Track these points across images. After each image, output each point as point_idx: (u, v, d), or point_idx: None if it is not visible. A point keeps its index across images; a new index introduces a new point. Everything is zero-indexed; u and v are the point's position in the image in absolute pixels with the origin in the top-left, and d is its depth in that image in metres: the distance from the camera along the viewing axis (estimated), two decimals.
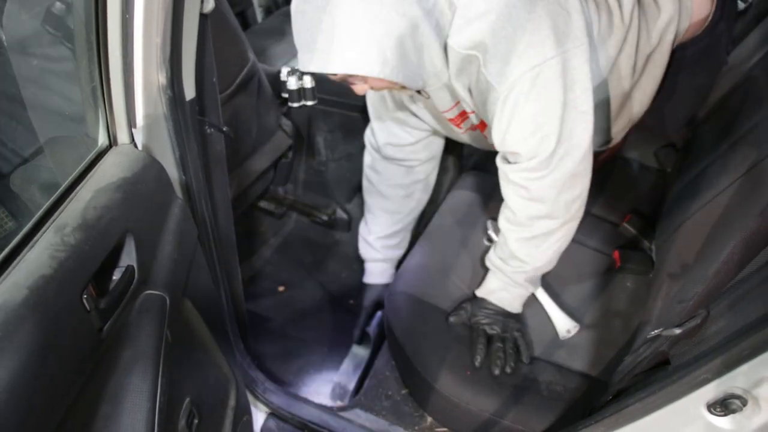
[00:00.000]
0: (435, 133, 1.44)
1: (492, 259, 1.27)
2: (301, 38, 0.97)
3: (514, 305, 1.25)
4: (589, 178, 1.10)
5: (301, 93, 1.77)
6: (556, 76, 0.94)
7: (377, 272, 1.66)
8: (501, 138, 1.04)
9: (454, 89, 1.09)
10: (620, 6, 1.14)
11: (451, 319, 1.26)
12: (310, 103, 1.78)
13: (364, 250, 1.67)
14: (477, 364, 1.18)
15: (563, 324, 1.27)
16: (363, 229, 1.66)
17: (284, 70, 1.75)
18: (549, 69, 0.93)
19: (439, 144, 1.51)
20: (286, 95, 1.79)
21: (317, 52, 0.94)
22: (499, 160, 1.14)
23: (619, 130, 1.36)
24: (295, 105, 1.80)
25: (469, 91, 1.08)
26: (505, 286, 1.24)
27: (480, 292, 1.28)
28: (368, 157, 1.55)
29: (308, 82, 1.76)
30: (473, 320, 1.25)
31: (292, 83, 1.76)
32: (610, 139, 1.37)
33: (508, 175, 1.11)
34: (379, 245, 1.62)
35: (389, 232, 1.60)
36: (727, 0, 1.25)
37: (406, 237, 1.68)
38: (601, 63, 1.15)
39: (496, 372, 1.16)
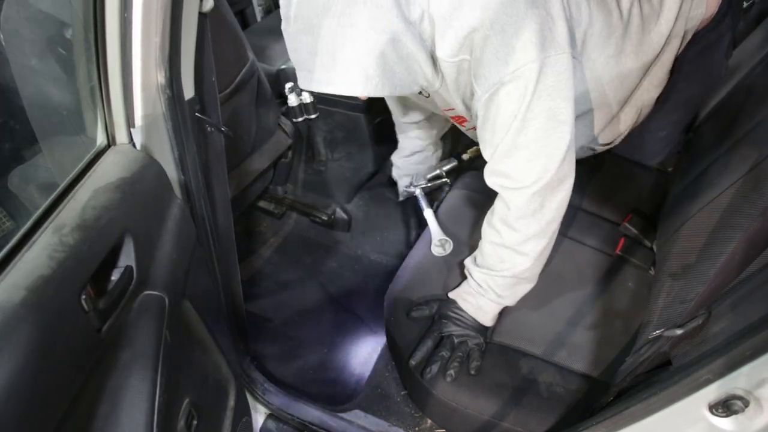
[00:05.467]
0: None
1: (467, 262, 1.25)
2: (293, 57, 0.99)
3: (482, 315, 1.19)
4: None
5: (302, 108, 1.90)
6: (536, 80, 0.91)
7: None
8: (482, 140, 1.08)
9: (451, 97, 1.09)
10: (618, 4, 1.12)
11: (413, 313, 1.22)
12: (312, 116, 1.92)
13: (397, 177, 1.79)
14: (413, 362, 1.15)
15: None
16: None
17: (287, 87, 1.86)
18: (530, 72, 0.91)
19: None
20: (285, 107, 1.89)
21: (307, 72, 0.97)
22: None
23: (625, 129, 1.37)
24: (299, 120, 1.92)
25: (464, 102, 1.08)
26: (476, 290, 1.18)
27: (452, 294, 1.24)
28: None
29: (307, 98, 1.87)
30: (437, 318, 1.20)
31: (293, 100, 1.87)
32: (618, 134, 1.38)
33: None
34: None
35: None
36: None
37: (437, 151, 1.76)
38: (597, 64, 1.14)
39: (427, 376, 1.13)
